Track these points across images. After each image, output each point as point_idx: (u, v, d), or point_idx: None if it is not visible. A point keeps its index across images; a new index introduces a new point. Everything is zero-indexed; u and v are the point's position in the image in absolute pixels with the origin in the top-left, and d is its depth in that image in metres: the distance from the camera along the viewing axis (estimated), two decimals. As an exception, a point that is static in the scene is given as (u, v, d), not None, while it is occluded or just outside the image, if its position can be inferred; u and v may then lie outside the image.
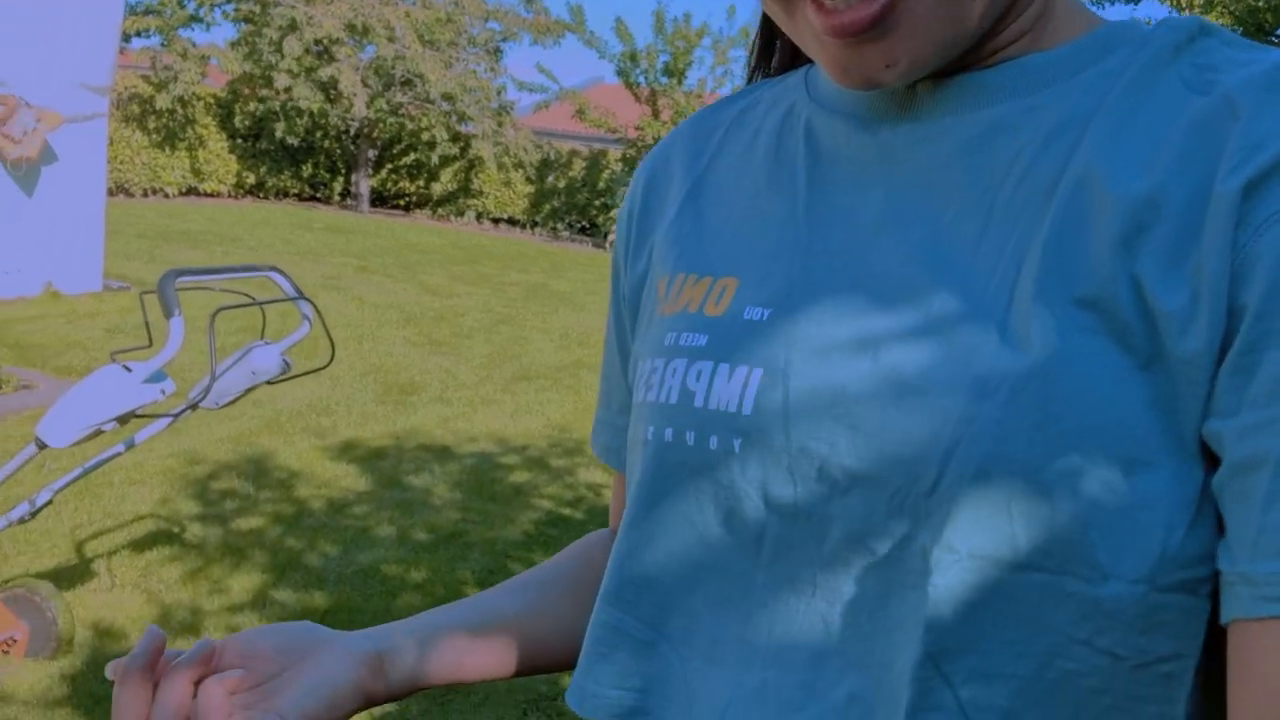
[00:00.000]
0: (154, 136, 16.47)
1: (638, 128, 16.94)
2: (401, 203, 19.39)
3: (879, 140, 0.58)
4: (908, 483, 0.50)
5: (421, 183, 19.25)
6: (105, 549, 3.82)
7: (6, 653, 2.98)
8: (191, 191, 17.12)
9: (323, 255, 11.73)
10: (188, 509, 4.28)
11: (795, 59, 0.71)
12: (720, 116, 0.70)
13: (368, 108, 17.08)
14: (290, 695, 0.61)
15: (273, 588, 3.63)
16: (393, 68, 16.93)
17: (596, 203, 18.16)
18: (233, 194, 17.73)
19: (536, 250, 15.19)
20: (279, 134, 17.11)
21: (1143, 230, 0.48)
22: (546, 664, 0.73)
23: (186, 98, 16.51)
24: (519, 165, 18.40)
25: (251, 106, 17.50)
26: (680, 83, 17.09)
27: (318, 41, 16.39)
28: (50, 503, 2.95)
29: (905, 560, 0.50)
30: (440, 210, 19.00)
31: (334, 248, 12.53)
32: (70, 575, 3.57)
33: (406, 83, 17.31)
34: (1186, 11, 7.99)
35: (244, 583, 3.65)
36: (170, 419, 2.82)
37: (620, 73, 17.59)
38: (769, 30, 0.72)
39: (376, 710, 2.86)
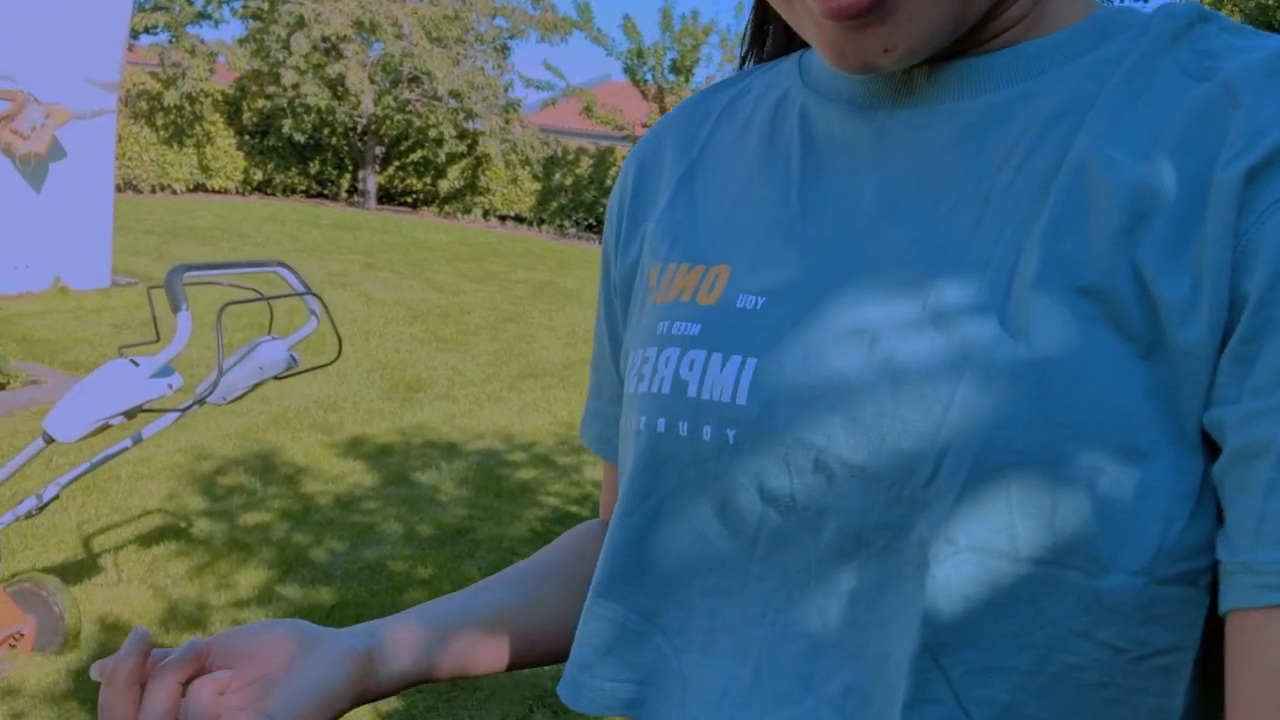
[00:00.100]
0: (162, 133, 16.53)
1: (645, 125, 16.96)
2: (408, 200, 19.43)
3: (875, 126, 0.57)
4: (905, 474, 0.49)
5: (428, 180, 19.28)
6: (112, 544, 3.83)
7: (13, 647, 2.99)
8: (199, 188, 17.19)
9: (329, 252, 11.75)
10: (194, 504, 4.29)
11: (789, 44, 0.71)
12: (712, 103, 0.69)
13: (375, 105, 17.12)
14: (281, 695, 0.60)
15: (279, 583, 3.64)
16: (400, 65, 16.96)
17: (603, 200, 18.17)
18: (240, 190, 17.78)
19: (543, 247, 15.20)
20: (286, 131, 17.17)
21: (1143, 219, 0.47)
22: (539, 656, 0.72)
23: (194, 94, 16.58)
24: (526, 162, 18.44)
25: (259, 103, 17.55)
26: (687, 80, 17.10)
27: (325, 38, 16.43)
28: (57, 497, 2.96)
29: (903, 552, 0.50)
30: (447, 207, 19.03)
31: (341, 244, 12.55)
32: (77, 570, 3.58)
33: (414, 80, 17.34)
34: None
35: (250, 578, 3.65)
36: (177, 414, 2.82)
37: (627, 70, 17.61)
38: (762, 15, 0.72)
39: (383, 707, 2.86)
